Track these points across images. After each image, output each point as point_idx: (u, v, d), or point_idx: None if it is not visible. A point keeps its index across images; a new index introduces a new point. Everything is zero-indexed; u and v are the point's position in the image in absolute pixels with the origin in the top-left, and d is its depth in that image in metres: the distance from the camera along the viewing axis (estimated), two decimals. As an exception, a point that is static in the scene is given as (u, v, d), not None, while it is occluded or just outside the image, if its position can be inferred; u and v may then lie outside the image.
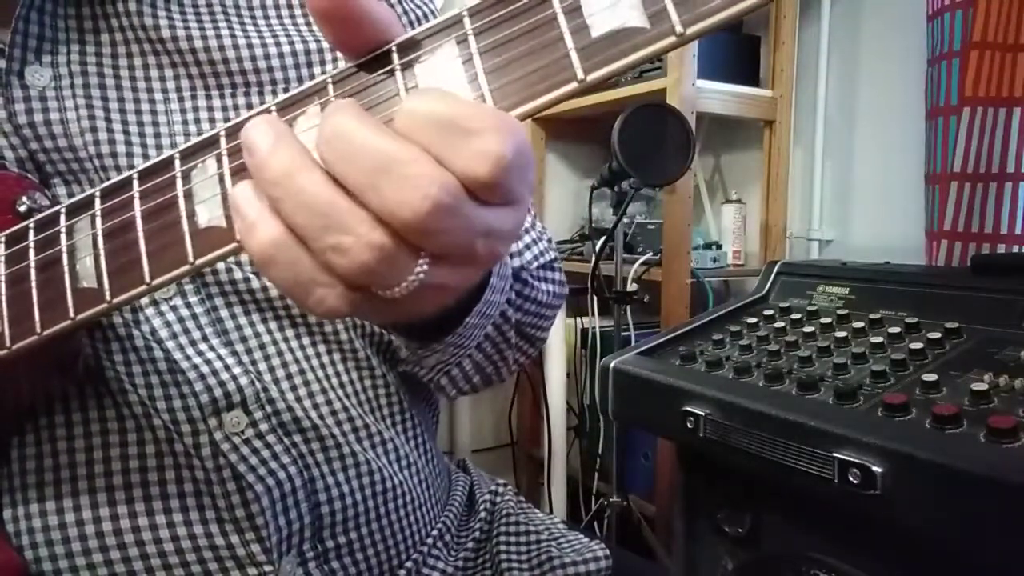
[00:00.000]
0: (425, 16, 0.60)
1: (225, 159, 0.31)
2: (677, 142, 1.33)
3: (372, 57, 0.29)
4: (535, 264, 0.59)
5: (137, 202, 0.33)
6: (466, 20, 0.28)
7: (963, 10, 1.25)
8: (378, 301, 0.27)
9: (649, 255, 1.62)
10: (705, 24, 0.25)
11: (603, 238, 1.51)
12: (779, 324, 1.02)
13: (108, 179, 0.46)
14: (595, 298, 1.65)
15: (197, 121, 0.49)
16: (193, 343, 0.47)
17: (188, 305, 0.48)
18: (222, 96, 0.50)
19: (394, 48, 0.29)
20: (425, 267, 0.26)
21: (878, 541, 0.76)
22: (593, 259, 1.50)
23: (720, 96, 1.61)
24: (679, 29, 0.25)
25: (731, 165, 1.93)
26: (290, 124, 0.30)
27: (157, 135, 0.48)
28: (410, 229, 0.25)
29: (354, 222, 0.25)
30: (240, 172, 0.31)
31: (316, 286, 0.27)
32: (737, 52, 1.71)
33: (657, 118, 1.32)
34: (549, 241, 0.63)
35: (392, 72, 0.29)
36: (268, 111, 0.31)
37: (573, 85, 0.27)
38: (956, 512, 0.63)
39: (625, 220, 1.50)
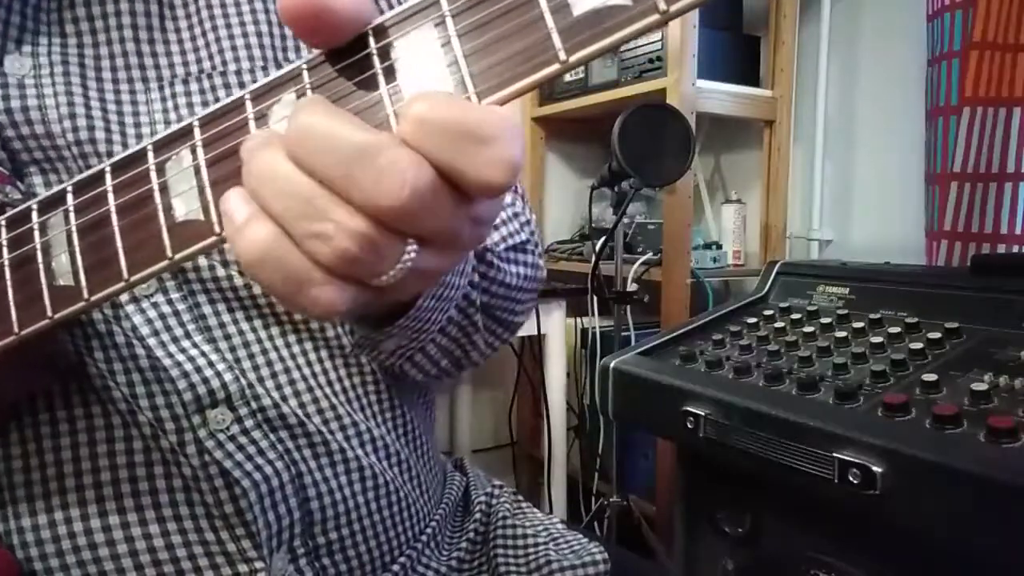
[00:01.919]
0: None
1: (200, 150, 0.30)
2: (677, 142, 1.33)
3: (348, 41, 0.28)
4: (502, 246, 0.57)
5: (111, 196, 0.32)
6: (443, 1, 0.27)
7: (963, 10, 1.25)
8: (370, 292, 0.27)
9: (649, 255, 1.62)
10: (688, 0, 0.24)
11: (603, 238, 1.51)
12: (779, 324, 1.02)
13: (88, 166, 0.45)
14: (595, 298, 1.65)
15: (176, 108, 0.49)
16: (175, 340, 0.47)
17: (170, 302, 0.48)
18: (199, 80, 0.50)
19: (370, 32, 0.28)
20: (413, 252, 0.26)
21: (878, 541, 0.76)
22: (593, 259, 1.50)
23: (720, 96, 1.61)
24: (662, 6, 0.24)
25: (731, 165, 1.93)
26: (265, 112, 0.29)
27: (137, 124, 0.48)
28: (392, 216, 0.25)
29: (332, 209, 0.25)
30: (217, 163, 0.30)
31: (308, 284, 0.26)
32: (737, 52, 1.71)
33: (657, 118, 1.32)
34: (528, 223, 0.60)
35: (369, 56, 0.28)
36: (242, 100, 0.30)
37: (555, 67, 0.26)
38: (956, 512, 0.63)
39: (625, 220, 1.50)
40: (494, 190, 0.25)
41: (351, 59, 0.28)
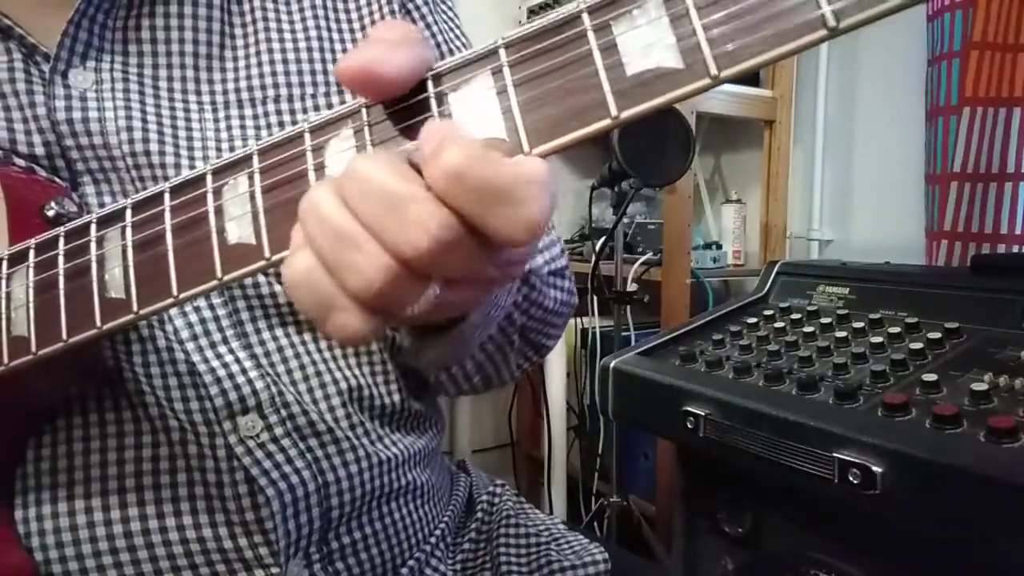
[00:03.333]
0: (451, 30, 0.61)
1: (257, 177, 0.31)
2: (677, 142, 1.33)
3: None
4: (545, 269, 0.58)
5: (168, 215, 0.33)
6: (502, 52, 0.28)
7: (963, 10, 1.25)
8: (396, 322, 0.28)
9: (649, 255, 1.62)
10: (739, 68, 0.25)
11: (603, 238, 1.51)
12: (779, 324, 1.02)
13: (140, 178, 0.47)
14: (595, 298, 1.65)
15: (229, 128, 0.51)
16: (212, 345, 0.48)
17: (211, 307, 0.49)
18: (253, 105, 0.52)
19: (429, 76, 0.29)
20: (438, 290, 0.27)
21: (878, 541, 0.76)
22: (593, 259, 1.50)
23: (720, 96, 1.61)
24: (713, 71, 0.25)
25: (731, 165, 1.93)
26: (322, 145, 0.30)
27: (190, 139, 0.50)
28: (414, 262, 0.26)
29: (365, 243, 0.26)
30: (271, 191, 0.31)
31: (336, 309, 0.27)
32: (737, 52, 1.70)
33: (657, 118, 1.32)
34: (562, 251, 0.62)
35: (426, 100, 0.29)
36: (301, 132, 0.31)
37: (607, 122, 0.27)
38: (956, 512, 0.63)
39: (625, 220, 1.50)
40: (515, 246, 0.27)
41: (409, 101, 0.29)
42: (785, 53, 0.25)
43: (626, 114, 0.26)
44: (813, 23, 0.24)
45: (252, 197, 0.31)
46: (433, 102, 0.29)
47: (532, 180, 0.26)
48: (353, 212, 0.27)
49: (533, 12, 1.90)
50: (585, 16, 0.27)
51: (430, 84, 0.29)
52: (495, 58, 0.28)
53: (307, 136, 0.31)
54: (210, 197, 0.32)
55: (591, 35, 0.27)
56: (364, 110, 0.30)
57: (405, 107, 0.29)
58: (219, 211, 0.32)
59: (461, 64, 0.29)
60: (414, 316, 0.28)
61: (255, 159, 0.32)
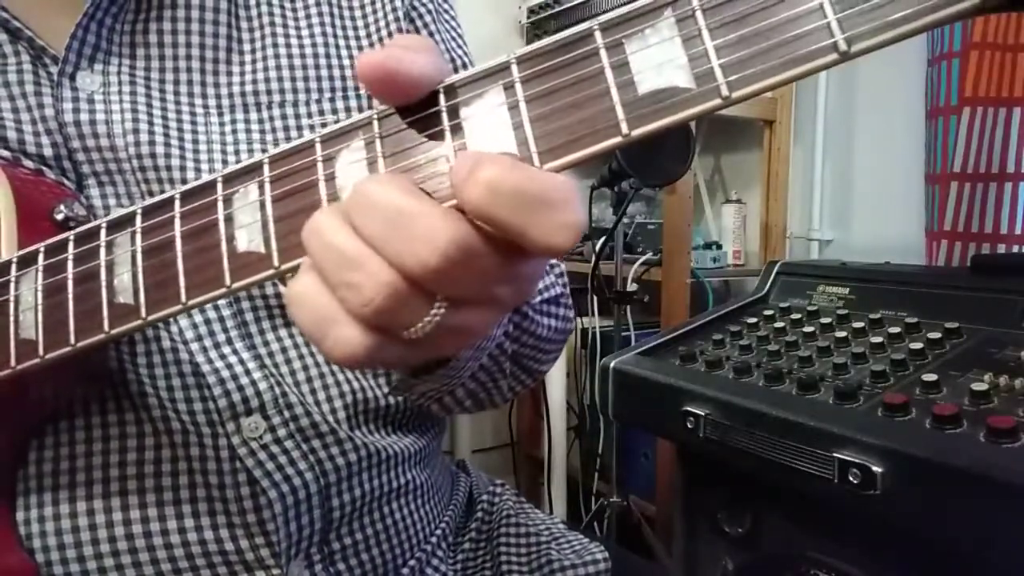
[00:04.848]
0: (453, 40, 0.61)
1: (267, 186, 0.32)
2: (677, 142, 1.33)
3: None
4: (538, 298, 0.58)
5: (178, 222, 0.33)
6: (513, 67, 0.28)
7: (963, 10, 1.25)
8: (397, 345, 0.28)
9: (649, 255, 1.62)
10: (750, 89, 0.25)
11: (603, 238, 1.51)
12: (779, 324, 1.02)
13: (145, 180, 0.47)
14: (595, 298, 1.65)
15: (234, 132, 0.51)
16: (217, 346, 0.48)
17: (216, 308, 0.49)
18: (258, 109, 0.52)
19: (441, 89, 0.29)
20: (442, 310, 0.27)
21: (878, 541, 0.77)
22: (593, 259, 1.50)
23: (720, 96, 1.61)
24: (725, 92, 0.25)
25: (731, 165, 1.93)
26: (333, 156, 0.31)
27: (195, 142, 0.50)
28: (420, 278, 0.26)
29: (366, 261, 0.26)
30: (281, 200, 0.31)
31: (334, 324, 0.27)
32: (737, 52, 1.70)
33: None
34: (560, 275, 0.62)
35: (438, 113, 0.29)
36: (312, 142, 0.31)
37: (617, 139, 0.27)
38: (956, 512, 0.63)
39: (625, 220, 1.50)
40: (556, 252, 0.26)
41: (421, 113, 0.29)
42: (796, 76, 0.25)
43: (637, 132, 0.26)
44: (825, 48, 0.24)
45: (262, 206, 0.31)
46: (444, 115, 0.29)
47: (566, 185, 0.26)
48: (357, 231, 0.27)
49: (533, 12, 1.90)
50: (598, 34, 0.27)
51: (442, 97, 0.29)
52: (507, 73, 0.28)
53: (318, 146, 0.31)
54: (220, 204, 0.32)
55: (603, 53, 0.27)
56: (375, 122, 0.30)
57: (416, 119, 0.29)
58: (229, 219, 0.32)
59: (473, 78, 0.29)
60: (415, 338, 0.27)
61: (266, 168, 0.32)
